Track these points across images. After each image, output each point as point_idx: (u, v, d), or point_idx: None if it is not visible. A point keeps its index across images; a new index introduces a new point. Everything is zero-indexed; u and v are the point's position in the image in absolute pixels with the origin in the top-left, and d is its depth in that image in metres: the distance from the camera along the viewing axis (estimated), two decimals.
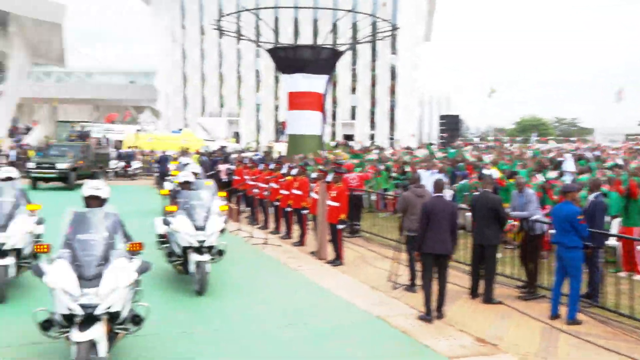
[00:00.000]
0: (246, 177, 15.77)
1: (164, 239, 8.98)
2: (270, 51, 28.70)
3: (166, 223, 8.46)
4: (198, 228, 8.24)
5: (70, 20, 46.83)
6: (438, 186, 7.84)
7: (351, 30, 37.70)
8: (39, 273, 5.24)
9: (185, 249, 8.29)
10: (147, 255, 6.25)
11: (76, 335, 4.98)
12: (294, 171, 13.20)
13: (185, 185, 9.34)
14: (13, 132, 42.92)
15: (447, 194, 13.95)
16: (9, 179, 9.00)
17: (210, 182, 12.06)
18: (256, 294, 8.56)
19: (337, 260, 10.65)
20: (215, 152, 26.37)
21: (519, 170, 13.60)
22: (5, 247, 7.67)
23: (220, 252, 8.64)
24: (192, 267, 8.18)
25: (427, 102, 61.32)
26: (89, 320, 5.06)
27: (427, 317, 7.29)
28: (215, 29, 31.42)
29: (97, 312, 5.05)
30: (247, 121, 51.79)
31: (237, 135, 47.69)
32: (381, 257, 11.11)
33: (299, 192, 12.56)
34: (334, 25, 33.98)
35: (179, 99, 53.74)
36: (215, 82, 53.71)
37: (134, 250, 5.73)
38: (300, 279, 9.60)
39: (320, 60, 26.68)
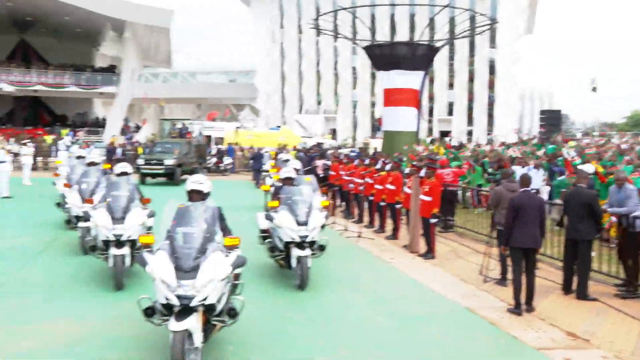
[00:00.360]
0: (342, 172, 16.17)
1: (266, 234, 9.05)
2: (366, 48, 28.87)
3: (269, 218, 8.57)
4: (300, 223, 8.31)
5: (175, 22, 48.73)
6: (524, 181, 7.81)
7: (448, 25, 37.12)
8: (143, 263, 5.44)
9: (287, 244, 8.39)
10: (249, 250, 6.44)
11: (173, 324, 5.10)
12: (388, 166, 13.43)
13: (287, 181, 9.34)
14: (125, 131, 45.66)
15: (544, 190, 13.67)
16: (124, 174, 9.66)
17: (310, 178, 12.41)
18: (349, 284, 8.87)
19: (429, 254, 10.80)
20: (312, 148, 26.93)
21: (623, 166, 13.07)
22: (122, 238, 8.22)
23: (322, 247, 8.68)
24: (293, 262, 8.29)
25: (527, 97, 59.27)
26: (185, 310, 5.17)
27: (516, 310, 7.33)
28: (312, 28, 31.95)
29: (192, 303, 5.15)
30: (343, 118, 52.15)
31: (333, 132, 48.26)
32: (473, 251, 11.12)
33: (392, 187, 12.79)
34: (431, 21, 33.53)
35: (278, 97, 54.90)
36: (313, 80, 54.42)
37: (231, 245, 5.81)
38: (392, 271, 9.83)
39: (416, 56, 26.52)
